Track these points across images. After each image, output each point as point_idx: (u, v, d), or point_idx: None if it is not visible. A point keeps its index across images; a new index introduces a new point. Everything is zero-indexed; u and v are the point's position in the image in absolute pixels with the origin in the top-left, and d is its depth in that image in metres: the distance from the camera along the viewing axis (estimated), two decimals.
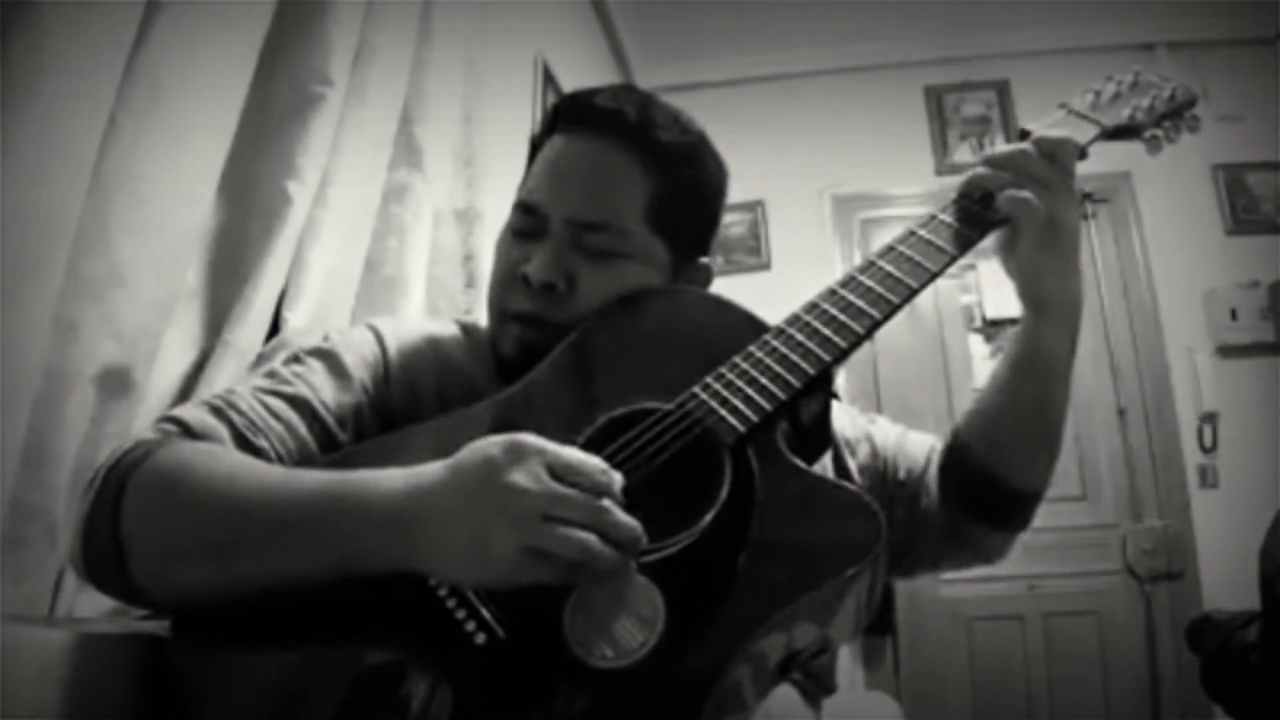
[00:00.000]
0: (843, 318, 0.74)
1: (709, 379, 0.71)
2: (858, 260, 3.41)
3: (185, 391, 1.12)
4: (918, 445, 0.92)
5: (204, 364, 1.14)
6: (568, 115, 0.87)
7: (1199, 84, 0.93)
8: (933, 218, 0.81)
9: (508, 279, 0.84)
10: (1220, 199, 3.00)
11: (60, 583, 0.91)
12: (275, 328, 1.25)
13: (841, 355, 0.72)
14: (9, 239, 0.81)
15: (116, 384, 0.96)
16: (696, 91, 2.85)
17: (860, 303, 0.74)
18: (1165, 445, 2.85)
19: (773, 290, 2.95)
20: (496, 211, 1.76)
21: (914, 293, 0.75)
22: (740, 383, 0.70)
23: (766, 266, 3.19)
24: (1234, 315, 2.88)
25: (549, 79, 2.39)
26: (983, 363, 3.02)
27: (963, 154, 3.21)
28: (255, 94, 1.15)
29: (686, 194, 0.86)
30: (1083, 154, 0.84)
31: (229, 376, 1.11)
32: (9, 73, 0.82)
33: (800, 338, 0.73)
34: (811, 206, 3.23)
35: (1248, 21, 3.03)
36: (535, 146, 0.89)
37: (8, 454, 0.84)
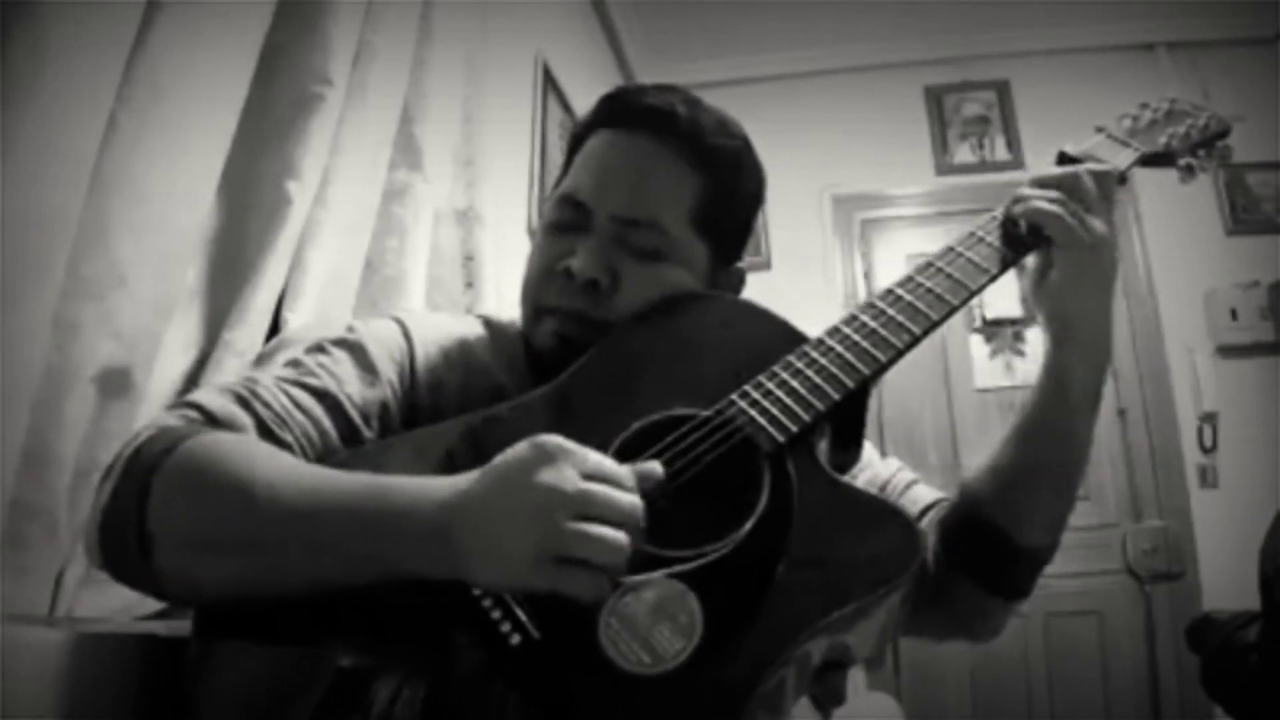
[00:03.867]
0: (883, 332, 0.73)
1: (748, 387, 0.71)
2: (858, 260, 3.41)
3: (185, 392, 1.12)
4: (920, 493, 0.89)
5: (204, 364, 1.14)
6: (616, 111, 0.86)
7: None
8: (972, 235, 0.80)
9: (547, 272, 0.83)
10: (1220, 199, 3.00)
11: (60, 583, 0.91)
12: (275, 328, 1.25)
13: (880, 369, 0.71)
14: (9, 239, 0.81)
15: (116, 384, 0.96)
16: (697, 91, 2.85)
17: (900, 318, 0.74)
18: (1165, 445, 2.85)
19: (773, 290, 2.95)
20: (496, 211, 1.76)
21: (952, 310, 0.75)
22: (780, 392, 0.70)
23: (766, 266, 3.19)
24: (1234, 315, 2.87)
25: (549, 79, 2.39)
26: (983, 363, 3.01)
27: (963, 154, 3.21)
28: (255, 94, 1.15)
29: (730, 198, 0.86)
30: (1122, 179, 0.84)
31: (229, 376, 1.11)
32: (9, 73, 0.82)
33: (840, 350, 0.73)
34: (811, 206, 3.23)
35: (1248, 21, 3.03)
36: (577, 140, 0.88)
37: (8, 454, 0.84)
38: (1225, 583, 2.52)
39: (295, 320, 1.26)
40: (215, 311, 1.19)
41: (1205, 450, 2.81)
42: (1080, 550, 2.73)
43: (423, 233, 1.55)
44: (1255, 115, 2.89)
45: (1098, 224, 0.76)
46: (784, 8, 3.08)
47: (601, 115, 0.87)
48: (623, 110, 0.86)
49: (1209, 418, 2.82)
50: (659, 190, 0.82)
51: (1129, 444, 2.89)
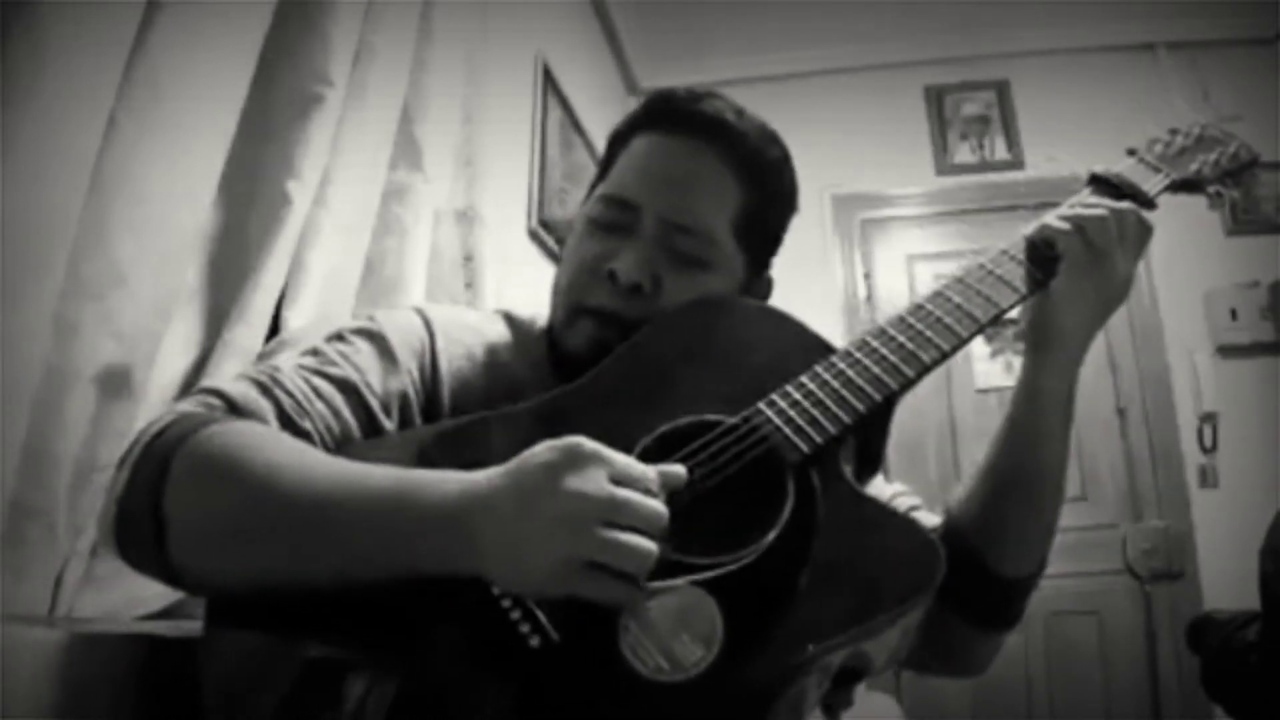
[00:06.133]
0: (910, 346, 0.73)
1: (775, 396, 0.70)
2: (858, 260, 3.40)
3: (185, 392, 1.12)
4: (920, 519, 0.87)
5: (204, 364, 1.14)
6: (664, 115, 0.86)
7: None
8: (1003, 253, 0.81)
9: (587, 272, 0.83)
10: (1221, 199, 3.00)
11: (60, 582, 0.91)
12: (275, 328, 1.25)
13: (907, 384, 0.71)
14: (9, 239, 0.81)
15: (116, 384, 0.96)
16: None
17: (928, 333, 0.74)
18: (1165, 445, 2.85)
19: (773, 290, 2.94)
20: (496, 211, 1.76)
21: (981, 328, 0.75)
22: (807, 403, 0.70)
23: None
24: (1234, 315, 2.87)
25: (549, 79, 2.39)
26: (984, 363, 3.01)
27: (963, 154, 3.20)
28: (255, 94, 1.15)
29: (770, 207, 0.87)
30: (1151, 204, 0.84)
31: (229, 376, 1.11)
32: (9, 73, 0.82)
33: (867, 363, 0.73)
34: (811, 206, 3.22)
35: (1248, 21, 3.03)
36: (619, 139, 0.88)
37: (8, 454, 0.84)
38: (1225, 583, 2.52)
39: (295, 320, 1.26)
40: (215, 311, 1.19)
41: (1205, 450, 2.81)
42: (1080, 550, 2.72)
43: (423, 233, 1.55)
44: (1255, 115, 2.88)
45: (1117, 260, 0.77)
46: (784, 8, 3.08)
47: (649, 117, 0.87)
48: (672, 114, 0.85)
49: (1209, 418, 2.81)
50: (709, 198, 0.82)
51: (1129, 444, 2.88)
